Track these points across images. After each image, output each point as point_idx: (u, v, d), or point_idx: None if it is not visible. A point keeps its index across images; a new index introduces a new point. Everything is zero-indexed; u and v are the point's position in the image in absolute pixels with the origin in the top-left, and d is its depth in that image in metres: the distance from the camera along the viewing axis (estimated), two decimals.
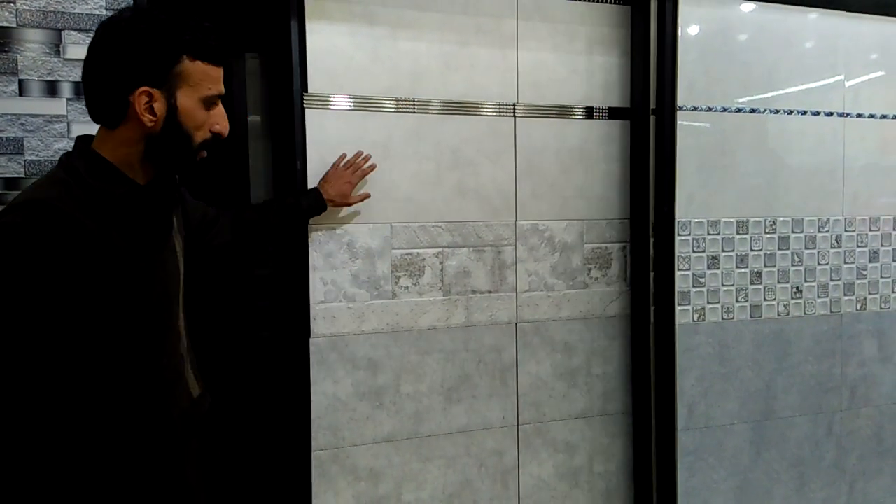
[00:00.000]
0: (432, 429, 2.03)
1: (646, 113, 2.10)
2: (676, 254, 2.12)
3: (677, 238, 2.12)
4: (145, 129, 1.11)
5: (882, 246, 2.38)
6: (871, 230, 2.37)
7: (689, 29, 2.10)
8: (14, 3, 1.50)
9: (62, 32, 1.54)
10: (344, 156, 1.88)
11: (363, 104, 1.92)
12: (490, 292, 2.08)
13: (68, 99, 1.55)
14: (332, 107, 1.89)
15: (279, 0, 1.85)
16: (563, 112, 2.12)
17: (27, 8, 1.51)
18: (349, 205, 1.88)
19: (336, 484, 1.94)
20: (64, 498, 1.11)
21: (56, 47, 1.54)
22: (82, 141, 1.15)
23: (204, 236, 1.52)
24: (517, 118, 2.07)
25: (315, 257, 1.90)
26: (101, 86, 1.10)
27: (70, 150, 1.16)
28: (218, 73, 1.16)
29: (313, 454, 1.91)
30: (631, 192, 2.16)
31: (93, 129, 1.48)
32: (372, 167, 1.90)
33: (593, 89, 2.15)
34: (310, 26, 1.85)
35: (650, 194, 2.12)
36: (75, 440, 1.11)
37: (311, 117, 1.87)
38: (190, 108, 1.12)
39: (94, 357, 1.11)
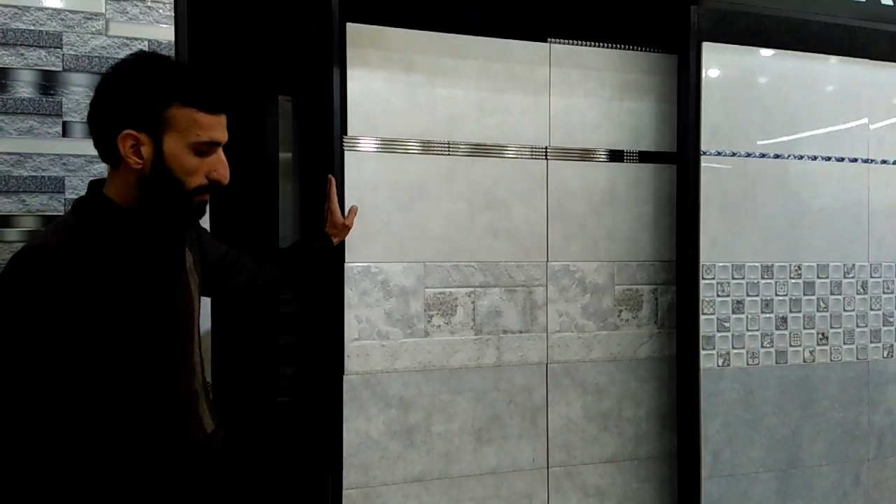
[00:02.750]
0: (462, 469, 2.04)
1: (695, 156, 2.12)
2: (701, 298, 2.11)
3: (702, 282, 2.11)
4: (135, 171, 1.12)
5: None
6: None
7: (711, 75, 2.13)
8: (61, 48, 1.55)
9: None
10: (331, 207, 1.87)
11: (400, 147, 1.99)
12: (521, 332, 2.09)
13: None
14: (369, 149, 1.96)
15: (321, 47, 1.92)
16: (593, 155, 2.17)
17: (73, 53, 1.56)
18: (348, 228, 1.86)
19: None
20: None
21: None
22: (93, 185, 1.19)
23: (222, 277, 1.55)
24: (549, 161, 2.12)
25: (350, 295, 1.93)
26: (96, 126, 1.14)
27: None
28: (211, 120, 1.15)
29: (344, 493, 1.91)
30: (678, 235, 2.18)
31: None
32: (331, 183, 1.86)
33: (623, 133, 2.19)
34: (350, 72, 1.93)
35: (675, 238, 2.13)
36: (88, 476, 1.12)
37: (350, 159, 1.94)
38: (177, 153, 1.12)
39: (106, 395, 1.12)
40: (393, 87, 1.98)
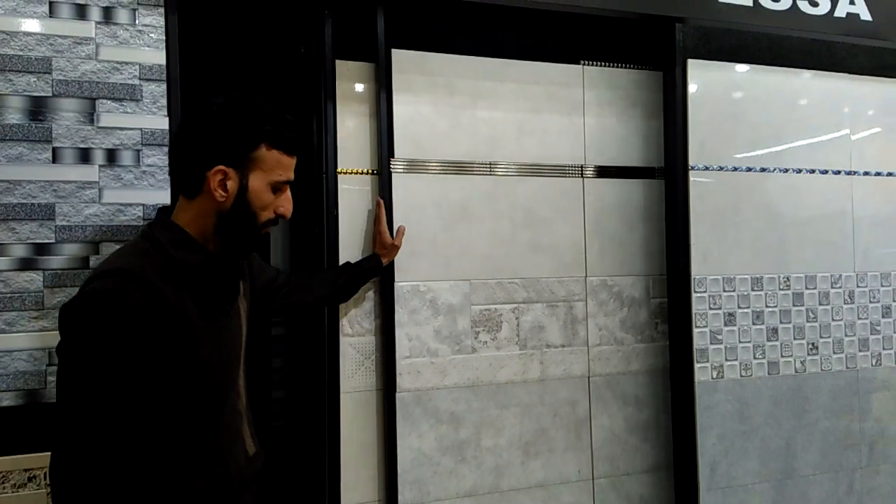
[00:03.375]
0: (512, 483, 2.08)
1: (684, 171, 2.16)
2: (693, 311, 2.13)
3: (694, 295, 2.13)
4: (216, 203, 1.21)
5: (894, 301, 2.40)
6: (882, 286, 2.39)
7: (697, 91, 2.16)
8: (50, 73, 1.53)
9: (96, 101, 1.56)
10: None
11: (444, 168, 2.05)
12: (563, 346, 2.15)
13: (100, 165, 1.57)
14: (416, 170, 2.02)
15: (378, 73, 1.98)
16: (627, 172, 2.23)
17: (62, 78, 1.54)
18: (397, 248, 1.94)
19: None
20: None
21: (90, 116, 1.56)
22: (163, 213, 1.26)
23: (273, 297, 1.66)
24: (585, 179, 2.18)
25: (400, 314, 1.98)
26: (185, 159, 1.22)
27: (151, 220, 1.30)
28: (291, 161, 1.26)
29: None
30: (668, 249, 2.21)
31: (125, 195, 1.51)
32: (380, 205, 1.94)
33: (651, 150, 2.25)
34: (396, 97, 2.00)
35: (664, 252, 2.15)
36: (141, 495, 1.15)
37: (397, 181, 2.00)
38: (259, 190, 1.22)
39: (164, 415, 1.17)
40: (437, 110, 2.05)
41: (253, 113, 1.22)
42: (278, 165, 1.24)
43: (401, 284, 1.99)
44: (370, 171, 2.01)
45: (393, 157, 2.00)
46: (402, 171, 2.00)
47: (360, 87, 2.02)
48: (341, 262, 1.93)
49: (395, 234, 1.96)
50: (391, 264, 1.97)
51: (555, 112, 2.16)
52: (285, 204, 1.28)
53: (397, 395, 1.96)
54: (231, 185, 1.20)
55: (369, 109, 2.02)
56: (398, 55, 2.01)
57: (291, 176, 1.27)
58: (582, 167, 2.18)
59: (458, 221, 2.05)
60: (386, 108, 1.98)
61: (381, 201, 1.94)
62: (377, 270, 1.92)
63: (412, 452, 1.97)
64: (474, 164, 2.07)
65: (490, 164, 2.09)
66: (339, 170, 1.98)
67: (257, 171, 1.22)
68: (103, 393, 1.09)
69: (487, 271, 2.08)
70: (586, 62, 2.21)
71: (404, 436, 1.96)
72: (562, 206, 2.16)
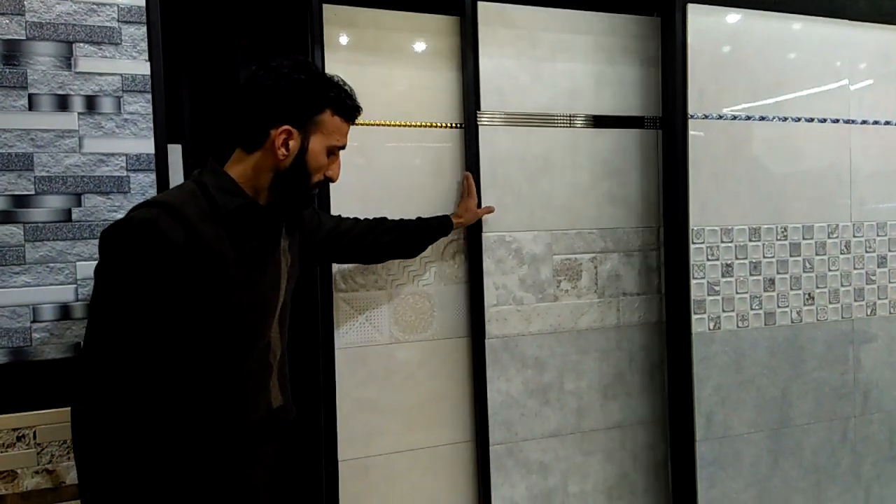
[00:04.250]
0: (592, 424, 2.21)
1: (683, 120, 2.12)
2: (691, 262, 2.11)
3: (692, 246, 2.11)
4: (276, 160, 1.26)
5: (889, 251, 2.40)
6: (878, 235, 2.38)
7: (697, 37, 2.10)
8: (23, 14, 1.45)
9: (73, 45, 1.49)
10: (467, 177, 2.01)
11: (526, 120, 2.09)
12: (639, 294, 2.25)
13: (80, 113, 1.49)
14: (500, 123, 2.06)
15: (464, 27, 2.02)
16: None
17: (36, 20, 1.46)
18: (478, 216, 2.01)
19: (512, 477, 2.11)
20: (136, 483, 1.16)
21: (67, 60, 1.48)
22: (214, 160, 1.29)
23: (336, 245, 1.70)
24: (660, 131, 2.22)
25: (488, 263, 2.06)
26: (251, 115, 1.26)
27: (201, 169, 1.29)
28: (347, 128, 1.33)
29: (491, 448, 2.06)
30: (665, 200, 2.19)
31: (106, 144, 1.45)
32: (469, 179, 2.00)
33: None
34: (482, 50, 2.03)
35: (662, 202, 2.12)
36: (157, 427, 1.19)
37: (484, 133, 2.04)
38: (317, 152, 1.29)
39: (187, 350, 1.20)
40: (520, 63, 2.08)
41: (321, 78, 1.28)
42: (337, 131, 1.30)
43: (488, 235, 2.06)
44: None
45: (479, 109, 2.03)
46: (487, 123, 2.04)
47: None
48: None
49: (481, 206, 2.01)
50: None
51: (630, 63, 2.21)
52: (335, 168, 1.34)
53: (486, 341, 2.05)
54: (293, 144, 1.25)
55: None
56: (483, 7, 2.03)
57: (346, 142, 1.34)
58: (657, 119, 2.23)
59: (540, 174, 2.11)
60: (472, 61, 2.01)
61: (470, 175, 1.99)
62: (446, 230, 1.93)
63: (500, 395, 2.08)
64: (555, 116, 2.12)
65: (570, 116, 2.14)
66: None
67: (318, 134, 1.28)
68: (128, 319, 1.13)
69: (568, 222, 2.15)
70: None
71: (493, 380, 2.06)
72: (637, 158, 2.21)
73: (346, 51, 1.95)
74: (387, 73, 1.99)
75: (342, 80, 1.32)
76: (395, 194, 2.00)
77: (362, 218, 1.80)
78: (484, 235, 2.05)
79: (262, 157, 1.27)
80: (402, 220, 1.87)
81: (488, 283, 2.06)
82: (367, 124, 1.95)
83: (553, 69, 2.12)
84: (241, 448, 1.28)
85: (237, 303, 1.24)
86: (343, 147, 1.34)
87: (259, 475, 1.32)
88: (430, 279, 2.05)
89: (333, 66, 1.90)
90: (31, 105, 1.46)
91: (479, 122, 2.02)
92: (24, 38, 1.46)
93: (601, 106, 2.17)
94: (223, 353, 1.24)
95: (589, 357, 2.19)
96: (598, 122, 2.16)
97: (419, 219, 1.90)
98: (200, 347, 1.21)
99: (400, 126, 2.01)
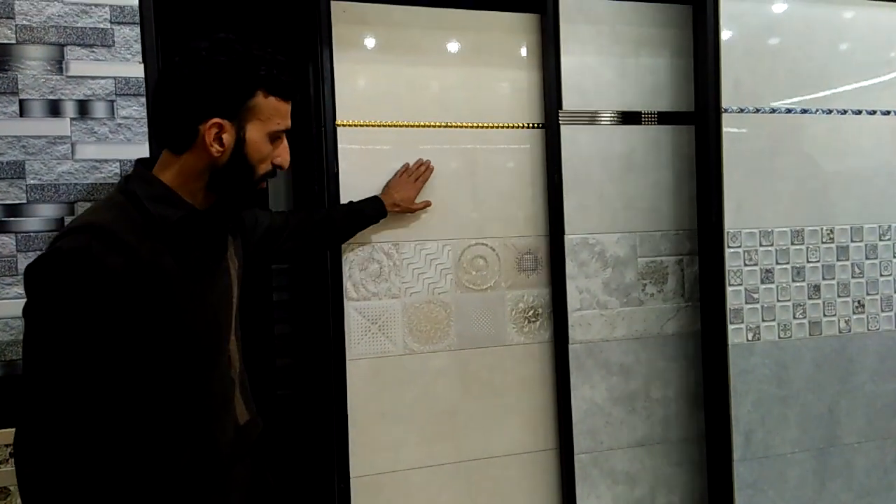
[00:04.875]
0: (680, 434, 2.12)
1: (716, 114, 1.98)
2: (727, 268, 1.95)
3: (727, 251, 1.96)
4: (211, 158, 1.11)
5: None
6: None
7: (730, 26, 1.95)
8: (13, 18, 1.41)
9: (65, 48, 1.44)
10: (407, 165, 1.88)
11: (609, 118, 2.04)
12: None
13: (72, 119, 1.45)
14: (582, 122, 2.01)
15: (545, 24, 1.98)
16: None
17: (27, 24, 1.42)
18: (412, 211, 1.88)
19: (598, 487, 2.05)
20: None
21: (58, 64, 1.44)
22: (142, 164, 1.15)
23: (272, 243, 1.57)
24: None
25: (570, 266, 2.00)
26: (173, 112, 1.11)
27: (128, 173, 1.17)
28: (287, 108, 1.16)
29: (576, 457, 2.01)
30: (699, 201, 2.05)
31: (100, 150, 1.39)
32: (430, 171, 1.90)
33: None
34: (564, 47, 1.98)
35: (699, 203, 1.97)
36: (118, 468, 1.08)
37: (566, 132, 1.99)
38: (257, 141, 1.13)
39: (143, 382, 1.09)
40: (602, 59, 2.03)
41: (246, 56, 1.10)
42: (276, 113, 1.14)
43: (570, 237, 2.00)
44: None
45: (561, 108, 1.97)
46: (568, 122, 1.99)
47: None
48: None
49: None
50: (558, 216, 1.98)
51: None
52: (283, 154, 1.18)
53: (570, 346, 2.00)
54: (227, 138, 1.10)
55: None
56: (566, 3, 1.98)
57: (289, 124, 1.17)
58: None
59: (624, 173, 2.05)
60: (554, 58, 1.96)
61: (428, 162, 1.90)
62: (379, 217, 1.82)
63: (585, 403, 2.02)
64: (638, 113, 2.06)
65: (656, 113, 2.07)
66: (338, 122, 1.85)
67: (255, 121, 1.12)
68: (70, 359, 1.01)
69: (653, 223, 2.08)
70: None
71: (577, 386, 2.01)
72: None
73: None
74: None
75: (272, 52, 1.14)
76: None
77: (290, 211, 1.70)
78: (567, 237, 1.99)
79: (194, 156, 1.12)
80: (331, 208, 1.78)
81: (571, 287, 2.00)
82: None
83: (637, 64, 2.05)
84: (211, 474, 1.18)
85: (189, 322, 1.13)
86: (287, 129, 1.18)
87: (234, 499, 1.23)
88: (447, 287, 1.95)
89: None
90: (22, 111, 1.43)
91: (560, 122, 1.97)
92: (14, 41, 1.41)
93: (687, 103, 2.08)
94: (182, 378, 1.14)
95: (676, 364, 2.11)
96: (681, 118, 2.08)
97: (350, 205, 1.79)
98: (156, 376, 1.11)
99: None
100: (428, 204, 1.91)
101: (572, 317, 2.00)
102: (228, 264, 1.24)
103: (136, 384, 1.08)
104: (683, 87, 2.08)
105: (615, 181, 2.04)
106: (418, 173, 1.88)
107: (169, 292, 1.09)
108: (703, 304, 2.03)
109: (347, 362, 1.87)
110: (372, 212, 1.80)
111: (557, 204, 1.98)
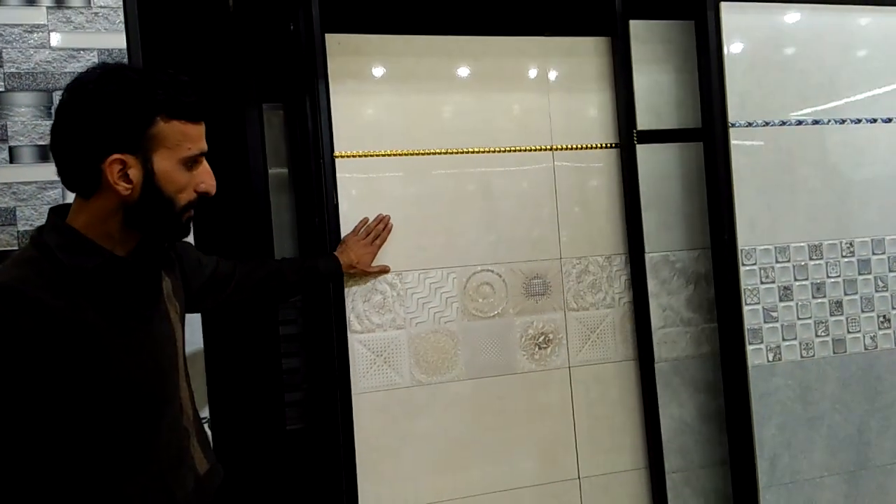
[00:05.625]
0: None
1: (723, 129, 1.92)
2: (742, 287, 1.88)
3: (742, 269, 1.89)
4: (121, 197, 1.01)
5: None
6: None
7: (734, 39, 1.90)
8: (0, 66, 1.41)
9: (53, 94, 1.43)
10: (365, 221, 1.83)
11: (685, 136, 2.03)
12: None
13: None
14: (655, 141, 2.01)
15: (616, 46, 2.04)
16: None
17: (15, 71, 1.41)
18: (367, 274, 1.81)
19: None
20: None
21: (47, 109, 1.43)
22: (55, 213, 1.06)
23: (215, 292, 1.46)
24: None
25: (652, 284, 2.00)
26: (70, 154, 1.01)
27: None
28: (197, 130, 1.06)
29: (667, 476, 2.00)
30: (711, 218, 1.98)
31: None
32: (389, 230, 1.84)
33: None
34: (636, 67, 2.00)
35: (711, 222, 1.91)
36: None
37: (641, 152, 2.00)
38: (169, 171, 1.03)
39: (79, 446, 1.00)
40: (672, 78, 2.03)
41: (138, 83, 1.00)
42: (184, 138, 1.03)
43: (651, 255, 2.00)
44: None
45: (636, 128, 1.99)
46: (645, 141, 2.00)
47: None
48: None
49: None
50: (637, 234, 1.98)
51: None
52: (206, 179, 1.08)
53: (656, 365, 1.99)
54: (134, 173, 1.00)
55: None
56: (635, 26, 2.00)
57: (204, 146, 1.07)
58: None
59: (700, 189, 2.00)
60: (624, 79, 1.99)
61: (387, 218, 1.85)
62: (334, 278, 1.77)
63: (674, 421, 2.01)
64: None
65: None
66: (337, 154, 1.84)
67: (161, 149, 1.01)
68: None
69: None
70: None
71: (665, 405, 1.99)
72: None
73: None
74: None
75: (171, 74, 1.03)
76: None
77: (239, 260, 1.59)
78: (647, 256, 1.99)
79: (104, 199, 1.02)
80: (284, 261, 1.71)
81: (653, 304, 1.99)
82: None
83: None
84: None
85: (124, 375, 1.03)
86: (203, 153, 1.07)
87: None
88: (453, 315, 1.91)
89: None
90: (12, 157, 1.41)
91: (635, 141, 1.98)
92: (2, 89, 1.41)
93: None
94: (127, 435, 1.04)
95: None
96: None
97: (304, 261, 1.72)
98: (96, 433, 1.02)
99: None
100: (385, 269, 1.85)
101: (656, 335, 1.99)
102: (166, 307, 1.15)
103: (71, 443, 1.00)
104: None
105: (692, 198, 2.03)
106: (376, 232, 1.81)
107: (96, 348, 1.00)
108: (721, 324, 1.95)
109: (354, 396, 1.83)
110: (326, 271, 1.73)
111: (636, 222, 2.00)
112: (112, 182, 1.00)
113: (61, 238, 1.01)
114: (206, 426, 1.32)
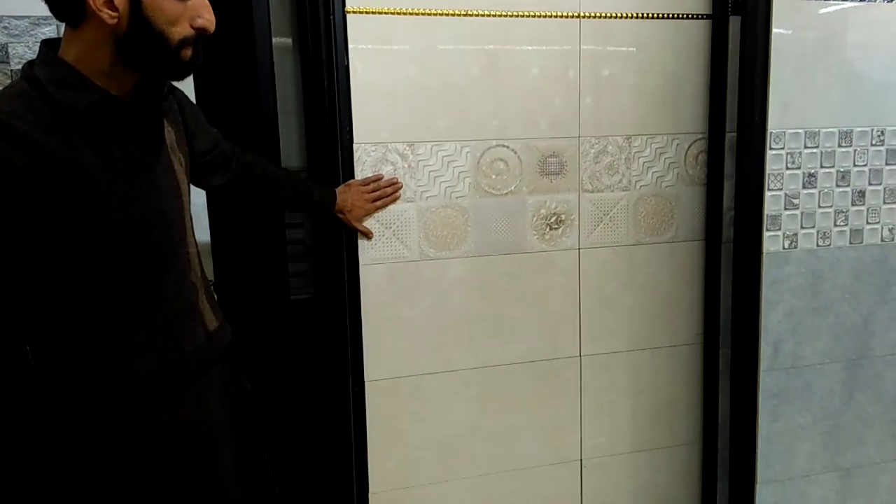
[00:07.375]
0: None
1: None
2: (767, 171, 1.82)
3: (769, 153, 1.82)
4: (109, 27, 0.95)
5: None
6: None
7: None
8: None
9: None
10: (380, 176, 1.74)
11: None
12: None
13: None
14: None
15: None
16: None
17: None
18: (351, 226, 1.73)
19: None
20: (78, 447, 1.03)
21: None
22: (47, 45, 0.99)
23: (210, 170, 1.38)
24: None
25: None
26: None
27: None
28: None
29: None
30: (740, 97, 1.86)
31: None
32: (395, 199, 1.75)
33: None
34: None
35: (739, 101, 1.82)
36: (77, 382, 1.01)
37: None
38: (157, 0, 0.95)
39: (77, 289, 0.98)
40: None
41: None
42: None
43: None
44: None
45: None
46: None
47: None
48: None
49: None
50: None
51: None
52: (203, 12, 1.00)
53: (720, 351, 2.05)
54: (119, 0, 0.94)
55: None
56: None
57: None
58: None
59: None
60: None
61: (395, 180, 1.76)
62: (323, 212, 1.70)
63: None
64: None
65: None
66: (348, 9, 1.71)
67: None
68: None
69: None
70: None
71: (725, 389, 2.05)
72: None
73: None
74: None
75: None
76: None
77: (240, 149, 1.50)
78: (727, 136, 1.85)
79: (92, 28, 0.96)
80: (282, 173, 1.64)
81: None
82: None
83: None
84: (183, 384, 1.11)
85: (122, 223, 1.01)
86: None
87: (213, 405, 1.17)
88: (465, 191, 1.86)
89: None
90: None
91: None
92: None
93: None
94: (128, 283, 1.03)
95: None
96: None
97: (304, 183, 1.65)
98: (99, 287, 1.00)
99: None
100: (368, 234, 1.78)
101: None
102: (170, 158, 1.11)
103: (68, 285, 0.99)
104: None
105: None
106: (382, 193, 1.73)
107: (92, 192, 0.97)
108: (738, 209, 1.91)
109: (361, 267, 1.81)
110: (318, 201, 1.66)
111: (720, 100, 1.93)
112: (95, 8, 0.93)
113: (53, 72, 0.96)
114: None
